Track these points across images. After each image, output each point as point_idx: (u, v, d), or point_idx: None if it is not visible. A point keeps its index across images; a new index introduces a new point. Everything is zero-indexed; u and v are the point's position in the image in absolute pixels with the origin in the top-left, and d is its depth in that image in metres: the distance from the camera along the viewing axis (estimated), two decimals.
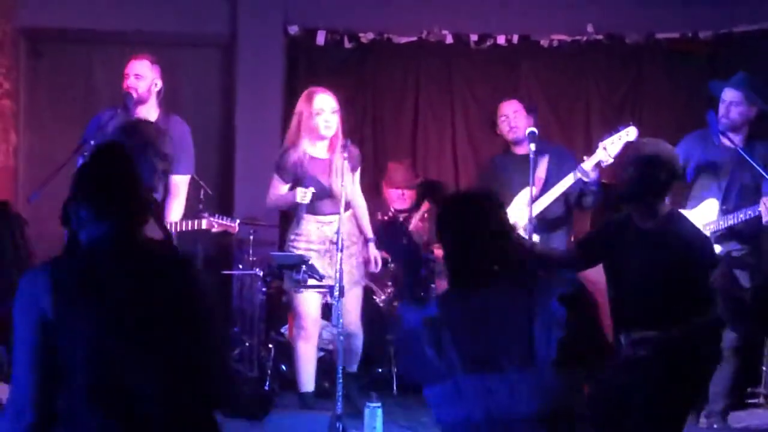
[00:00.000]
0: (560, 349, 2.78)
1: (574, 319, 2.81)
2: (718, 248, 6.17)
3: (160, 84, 6.64)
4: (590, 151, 6.45)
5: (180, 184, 6.52)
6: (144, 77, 6.55)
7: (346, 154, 6.29)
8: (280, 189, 6.55)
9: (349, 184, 6.42)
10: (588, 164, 6.32)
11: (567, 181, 6.46)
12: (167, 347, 2.76)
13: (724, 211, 6.26)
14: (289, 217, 6.99)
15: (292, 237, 6.58)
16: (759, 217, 6.06)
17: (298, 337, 6.53)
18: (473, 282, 3.00)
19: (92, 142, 6.10)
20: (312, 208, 6.50)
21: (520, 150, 6.86)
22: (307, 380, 6.54)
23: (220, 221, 6.58)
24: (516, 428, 2.78)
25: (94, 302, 2.73)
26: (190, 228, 6.53)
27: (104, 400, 2.68)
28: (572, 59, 8.80)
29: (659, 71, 8.73)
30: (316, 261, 6.35)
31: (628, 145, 6.25)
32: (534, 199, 6.34)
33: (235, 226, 6.93)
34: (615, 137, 6.29)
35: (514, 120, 6.87)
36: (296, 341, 6.55)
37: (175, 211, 6.46)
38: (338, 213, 6.17)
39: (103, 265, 2.79)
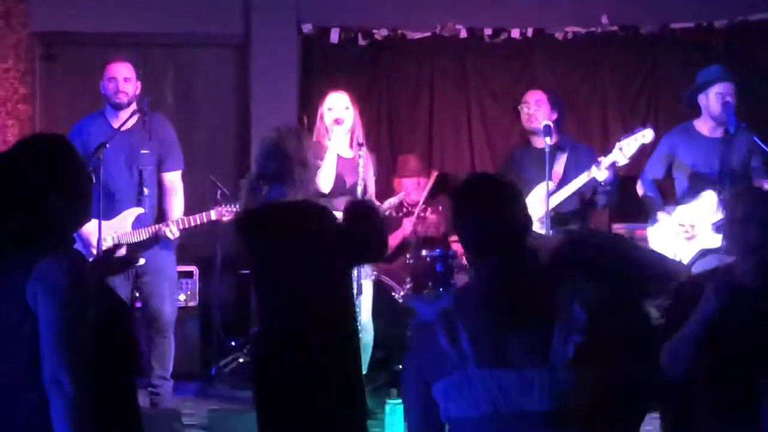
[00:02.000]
0: (577, 352, 2.76)
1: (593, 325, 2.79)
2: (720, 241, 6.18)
3: (139, 86, 6.59)
4: (607, 142, 6.44)
5: (174, 180, 6.53)
6: (131, 80, 6.51)
7: (361, 155, 6.27)
8: None
9: (371, 187, 6.44)
10: (602, 165, 6.30)
11: (581, 180, 6.43)
12: None
13: (722, 202, 6.25)
14: None
15: None
16: None
17: None
18: (493, 272, 2.96)
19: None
20: (330, 206, 6.47)
21: (538, 143, 6.80)
22: None
23: (228, 209, 6.55)
24: (523, 425, 2.76)
25: None
26: (199, 222, 6.52)
27: None
28: (587, 51, 8.78)
29: (675, 62, 8.69)
30: None
31: (643, 148, 6.26)
32: (551, 193, 6.33)
33: None
34: (631, 138, 6.28)
35: (535, 109, 6.75)
36: None
37: (176, 208, 6.47)
38: None
39: None
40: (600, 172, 6.30)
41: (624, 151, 6.26)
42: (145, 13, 8.56)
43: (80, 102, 8.73)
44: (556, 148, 6.55)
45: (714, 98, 6.36)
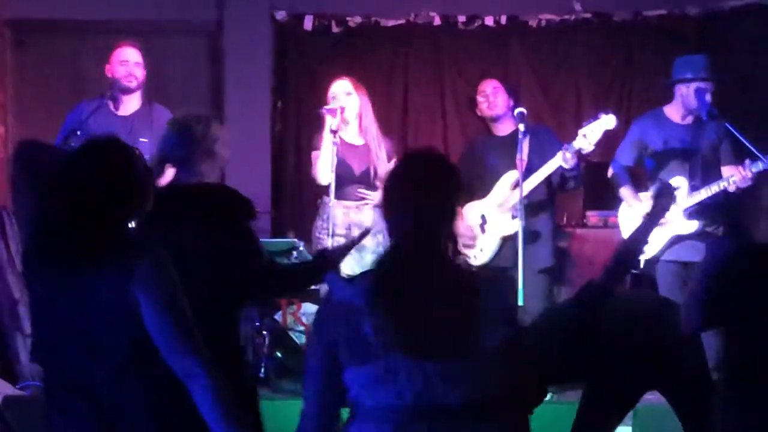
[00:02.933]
0: (505, 345, 2.72)
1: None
2: (695, 224, 6.21)
3: (145, 73, 6.61)
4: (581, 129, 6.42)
5: (169, 173, 6.49)
6: (140, 65, 6.51)
7: (378, 144, 6.35)
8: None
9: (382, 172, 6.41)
10: (567, 153, 6.31)
11: (548, 168, 6.44)
12: None
13: (693, 188, 6.28)
14: (282, 204, 6.96)
15: (319, 223, 6.56)
16: (725, 190, 6.13)
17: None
18: (417, 261, 2.84)
19: (78, 133, 6.07)
20: (339, 193, 6.44)
21: (500, 131, 6.81)
22: None
23: None
24: (443, 417, 2.72)
25: None
26: None
27: None
28: (561, 38, 8.78)
29: (648, 49, 8.71)
30: None
31: (609, 134, 6.28)
32: (518, 182, 6.34)
33: None
34: (594, 125, 6.30)
35: (493, 97, 6.78)
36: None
37: None
38: (365, 200, 6.30)
39: None
40: (567, 161, 6.32)
41: (588, 137, 6.28)
42: (118, 1, 8.51)
43: (51, 89, 8.70)
44: (515, 135, 6.56)
45: (692, 93, 6.37)
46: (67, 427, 3.02)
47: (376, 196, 6.42)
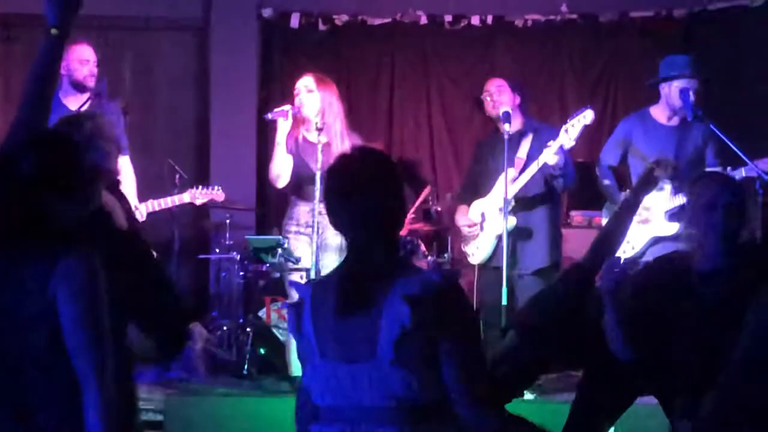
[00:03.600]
0: (397, 348, 2.72)
1: (418, 319, 2.72)
2: (675, 226, 6.23)
3: None
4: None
5: (125, 164, 6.42)
6: (96, 62, 6.48)
7: (320, 141, 6.19)
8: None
9: None
10: (550, 150, 6.33)
11: (533, 168, 6.45)
12: None
13: (676, 189, 6.29)
14: (268, 201, 6.98)
15: (286, 221, 6.54)
16: None
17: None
18: (348, 266, 2.88)
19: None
20: (301, 193, 6.44)
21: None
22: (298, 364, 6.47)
23: (203, 192, 6.52)
24: (364, 418, 2.75)
25: None
26: (170, 205, 6.52)
27: None
28: (547, 39, 8.81)
29: (633, 50, 8.75)
30: (305, 245, 6.34)
31: (586, 128, 6.30)
32: (514, 179, 6.37)
33: (220, 193, 6.91)
34: (574, 120, 6.32)
35: (497, 95, 6.75)
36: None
37: (130, 193, 6.41)
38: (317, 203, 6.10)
39: None
40: (550, 157, 6.34)
41: (569, 133, 6.29)
42: None
43: None
44: (520, 134, 6.57)
45: (675, 92, 6.38)
46: None
47: None
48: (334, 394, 2.79)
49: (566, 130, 6.30)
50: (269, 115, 6.34)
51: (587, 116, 6.30)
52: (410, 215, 7.61)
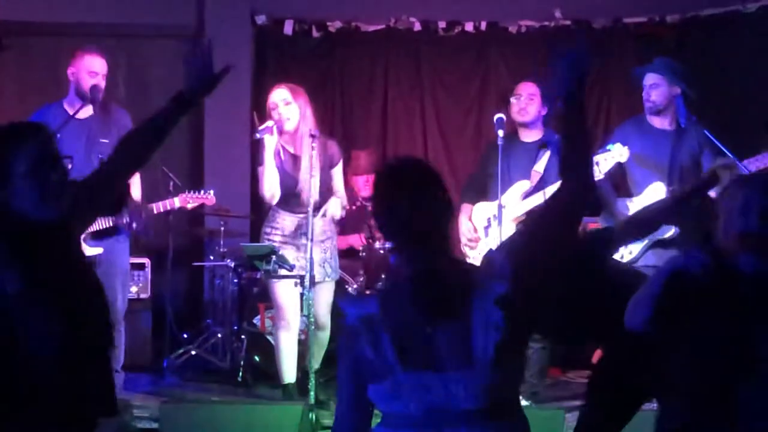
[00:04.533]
0: (497, 351, 2.74)
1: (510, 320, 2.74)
2: (671, 230, 6.22)
3: None
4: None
5: None
6: (106, 75, 6.46)
7: (314, 146, 6.19)
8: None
9: (328, 180, 6.37)
10: None
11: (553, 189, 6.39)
12: None
13: (671, 193, 6.29)
14: (262, 208, 6.94)
15: (268, 230, 6.49)
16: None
17: (278, 329, 6.46)
18: (415, 274, 2.85)
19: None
20: (285, 204, 6.43)
21: (525, 136, 6.76)
22: (289, 371, 6.47)
23: (194, 195, 6.52)
24: (455, 420, 2.76)
25: None
26: (163, 210, 6.52)
27: None
28: (540, 45, 8.80)
29: (627, 56, 8.74)
30: (291, 254, 6.32)
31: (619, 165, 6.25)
32: (528, 194, 6.33)
33: (211, 197, 6.90)
34: (607, 155, 6.18)
35: (527, 102, 6.69)
36: (277, 332, 6.47)
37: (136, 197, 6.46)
38: (312, 211, 6.06)
39: None
40: None
41: (601, 166, 6.16)
42: (99, 4, 8.51)
43: (31, 91, 8.67)
44: (541, 145, 6.51)
45: (645, 90, 6.42)
46: None
47: (330, 205, 6.40)
48: (419, 403, 2.77)
49: (597, 163, 6.15)
50: (257, 135, 6.30)
51: (623, 154, 6.21)
52: None
